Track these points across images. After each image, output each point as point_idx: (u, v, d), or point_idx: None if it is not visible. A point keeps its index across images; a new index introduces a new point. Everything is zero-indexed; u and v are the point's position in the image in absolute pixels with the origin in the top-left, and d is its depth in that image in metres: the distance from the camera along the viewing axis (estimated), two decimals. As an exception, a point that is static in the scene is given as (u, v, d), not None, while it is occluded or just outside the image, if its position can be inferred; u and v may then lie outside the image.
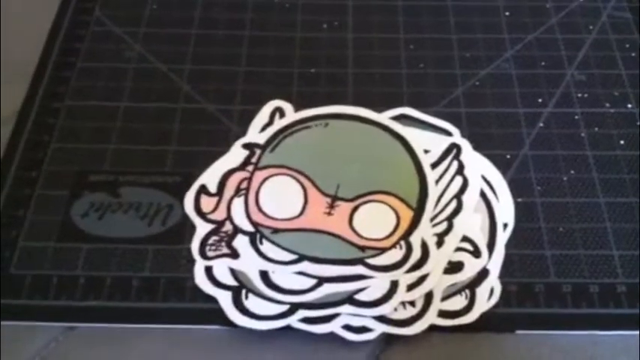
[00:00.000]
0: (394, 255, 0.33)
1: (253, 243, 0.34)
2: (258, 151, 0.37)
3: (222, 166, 0.37)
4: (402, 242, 0.34)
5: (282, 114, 0.40)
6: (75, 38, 0.45)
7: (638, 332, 0.32)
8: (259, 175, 0.36)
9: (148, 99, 0.41)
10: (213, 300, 0.33)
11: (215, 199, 0.36)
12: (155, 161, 0.38)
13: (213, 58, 0.43)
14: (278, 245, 0.34)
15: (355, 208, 0.35)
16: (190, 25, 0.45)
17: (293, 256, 0.33)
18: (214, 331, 0.33)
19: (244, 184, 0.36)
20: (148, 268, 0.34)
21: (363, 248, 0.34)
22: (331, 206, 0.35)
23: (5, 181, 0.37)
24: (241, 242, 0.34)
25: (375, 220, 0.35)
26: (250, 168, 0.37)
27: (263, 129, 0.39)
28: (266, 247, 0.34)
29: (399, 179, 0.36)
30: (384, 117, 0.39)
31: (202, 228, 0.35)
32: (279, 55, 0.43)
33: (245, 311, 0.32)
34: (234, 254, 0.34)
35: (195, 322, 0.33)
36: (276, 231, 0.34)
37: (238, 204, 0.35)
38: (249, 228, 0.35)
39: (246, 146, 0.38)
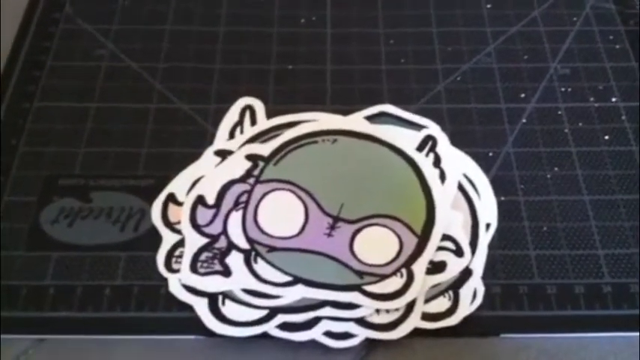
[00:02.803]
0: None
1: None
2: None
3: (192, 172, 0.36)
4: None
5: (253, 112, 0.38)
6: (44, 36, 0.43)
7: (624, 334, 0.32)
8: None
9: (119, 99, 0.40)
10: (188, 308, 0.32)
11: (181, 209, 0.34)
12: (127, 164, 0.37)
13: (188, 55, 0.42)
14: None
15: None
16: (164, 21, 0.44)
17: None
18: (190, 340, 0.32)
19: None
20: (120, 276, 0.33)
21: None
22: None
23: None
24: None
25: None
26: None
27: (233, 129, 0.38)
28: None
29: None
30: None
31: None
32: (255, 51, 0.42)
33: (222, 318, 0.31)
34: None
35: (171, 332, 0.32)
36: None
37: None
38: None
39: (218, 153, 0.36)
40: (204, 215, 0.34)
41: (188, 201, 0.35)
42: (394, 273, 0.32)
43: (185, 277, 0.32)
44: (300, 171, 0.35)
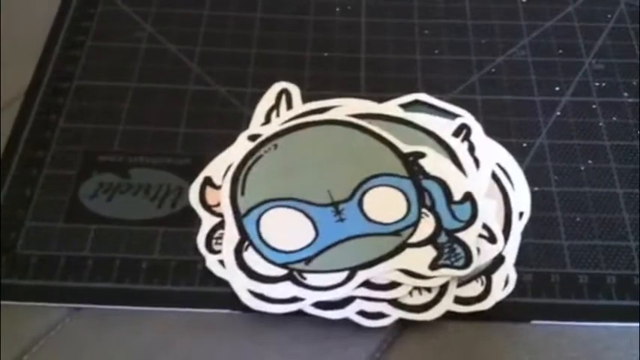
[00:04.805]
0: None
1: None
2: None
3: (227, 158, 0.36)
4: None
5: (289, 96, 0.39)
6: (84, 17, 0.44)
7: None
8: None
9: (158, 80, 0.40)
10: (224, 283, 0.32)
11: (218, 192, 0.35)
12: (165, 143, 0.37)
13: (225, 39, 0.42)
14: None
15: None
16: (202, 5, 0.44)
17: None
18: (224, 315, 0.32)
19: None
20: (157, 251, 0.34)
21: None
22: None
23: (12, 160, 0.37)
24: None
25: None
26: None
27: (269, 112, 0.38)
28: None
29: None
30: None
31: (208, 221, 0.34)
32: (291, 38, 0.43)
33: (258, 294, 0.32)
34: None
35: (206, 305, 0.32)
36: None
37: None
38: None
39: (251, 138, 0.37)
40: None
41: (226, 186, 0.35)
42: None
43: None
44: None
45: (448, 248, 0.32)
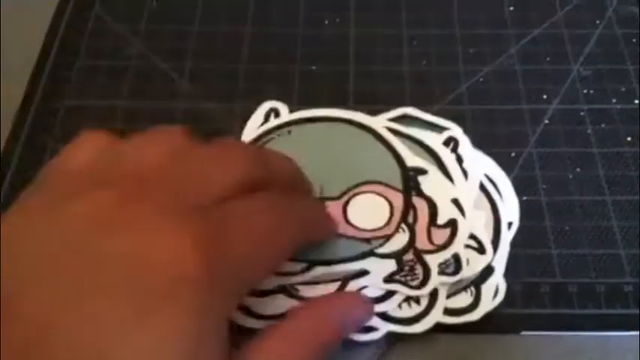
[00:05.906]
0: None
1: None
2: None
3: None
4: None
5: (278, 114, 0.39)
6: (74, 35, 0.44)
7: (645, 333, 0.32)
8: None
9: (148, 97, 0.41)
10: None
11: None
12: (155, 160, 0.38)
13: (214, 55, 0.43)
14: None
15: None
16: (191, 21, 0.45)
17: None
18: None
19: None
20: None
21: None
22: None
23: (3, 182, 0.37)
24: None
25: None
26: None
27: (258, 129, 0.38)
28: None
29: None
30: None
31: None
32: (279, 52, 0.43)
33: (243, 308, 0.32)
34: None
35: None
36: None
37: None
38: None
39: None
40: None
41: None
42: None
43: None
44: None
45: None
